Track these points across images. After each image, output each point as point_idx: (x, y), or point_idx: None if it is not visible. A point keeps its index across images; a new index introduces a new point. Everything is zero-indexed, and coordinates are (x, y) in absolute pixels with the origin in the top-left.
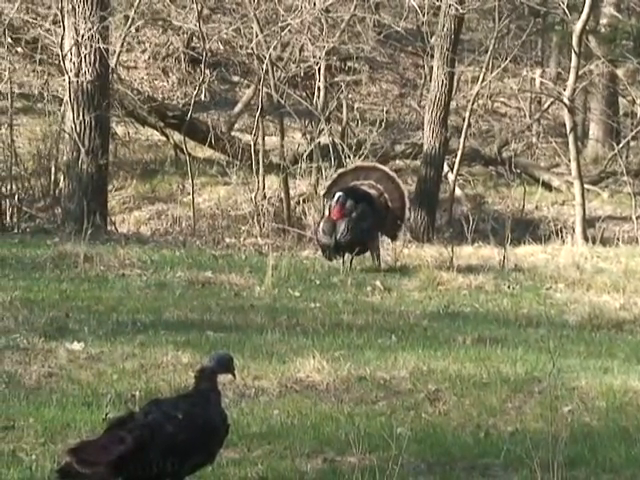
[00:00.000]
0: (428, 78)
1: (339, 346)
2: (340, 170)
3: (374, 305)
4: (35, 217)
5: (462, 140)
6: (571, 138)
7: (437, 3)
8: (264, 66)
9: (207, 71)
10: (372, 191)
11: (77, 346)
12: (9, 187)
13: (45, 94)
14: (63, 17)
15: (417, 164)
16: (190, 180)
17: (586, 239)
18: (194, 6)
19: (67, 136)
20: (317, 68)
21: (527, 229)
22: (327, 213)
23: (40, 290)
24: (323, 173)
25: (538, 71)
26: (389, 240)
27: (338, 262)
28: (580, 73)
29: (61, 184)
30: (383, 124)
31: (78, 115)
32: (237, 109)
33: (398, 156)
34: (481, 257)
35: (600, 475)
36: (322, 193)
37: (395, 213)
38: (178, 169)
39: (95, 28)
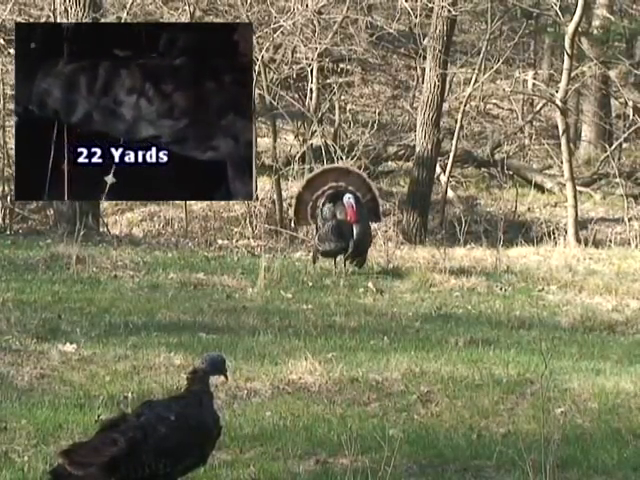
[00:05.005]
0: (420, 80)
1: (331, 348)
2: (308, 176)
3: (366, 307)
4: (28, 218)
5: (454, 142)
6: (563, 140)
7: (429, 5)
8: (256, 68)
9: None
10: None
11: (69, 347)
12: (1, 188)
13: None
14: (56, 19)
15: (409, 166)
16: None
17: (578, 241)
18: (186, 8)
19: None
20: (309, 70)
21: (519, 231)
22: (329, 217)
23: (32, 291)
24: None
25: (530, 73)
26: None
27: (331, 264)
28: (572, 75)
29: None
30: (375, 126)
31: None
32: None
33: (390, 158)
34: (473, 259)
35: (592, 477)
36: (293, 202)
37: (370, 211)
38: None
39: None
